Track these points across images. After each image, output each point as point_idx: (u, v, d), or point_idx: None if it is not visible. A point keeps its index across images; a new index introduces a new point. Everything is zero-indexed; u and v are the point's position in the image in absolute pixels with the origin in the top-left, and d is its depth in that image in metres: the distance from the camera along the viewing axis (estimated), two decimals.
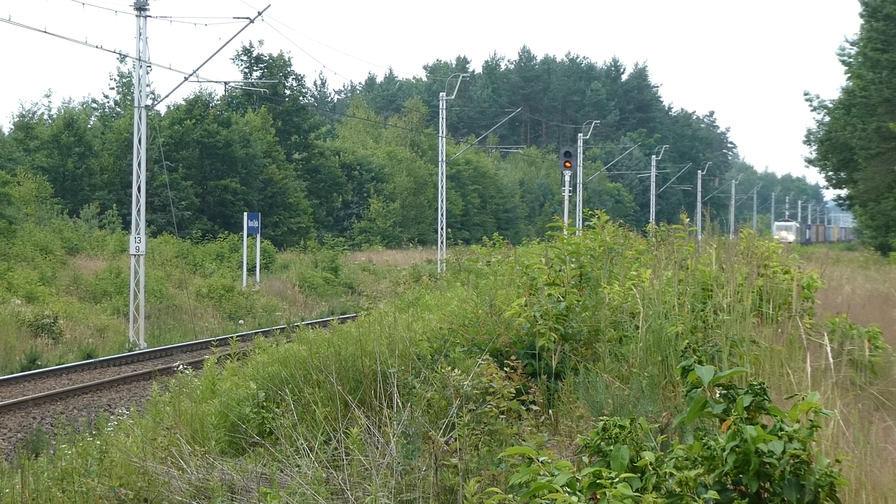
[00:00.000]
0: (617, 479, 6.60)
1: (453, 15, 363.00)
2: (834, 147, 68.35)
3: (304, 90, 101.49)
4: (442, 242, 66.28)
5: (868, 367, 12.37)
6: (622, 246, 16.55)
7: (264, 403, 12.45)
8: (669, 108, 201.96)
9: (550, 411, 11.12)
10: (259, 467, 10.64)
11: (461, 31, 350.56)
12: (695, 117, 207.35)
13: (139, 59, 39.34)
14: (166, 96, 53.54)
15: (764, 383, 7.06)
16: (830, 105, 70.29)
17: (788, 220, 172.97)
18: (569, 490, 6.58)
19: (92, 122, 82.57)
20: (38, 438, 22.47)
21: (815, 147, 73.20)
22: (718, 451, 6.72)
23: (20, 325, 36.32)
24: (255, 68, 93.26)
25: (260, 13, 39.86)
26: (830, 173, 74.14)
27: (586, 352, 12.11)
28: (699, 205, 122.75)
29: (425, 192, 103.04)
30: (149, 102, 41.57)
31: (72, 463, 13.87)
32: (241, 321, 45.26)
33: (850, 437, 8.46)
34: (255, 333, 22.29)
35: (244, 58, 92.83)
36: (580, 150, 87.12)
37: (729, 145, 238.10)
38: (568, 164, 66.69)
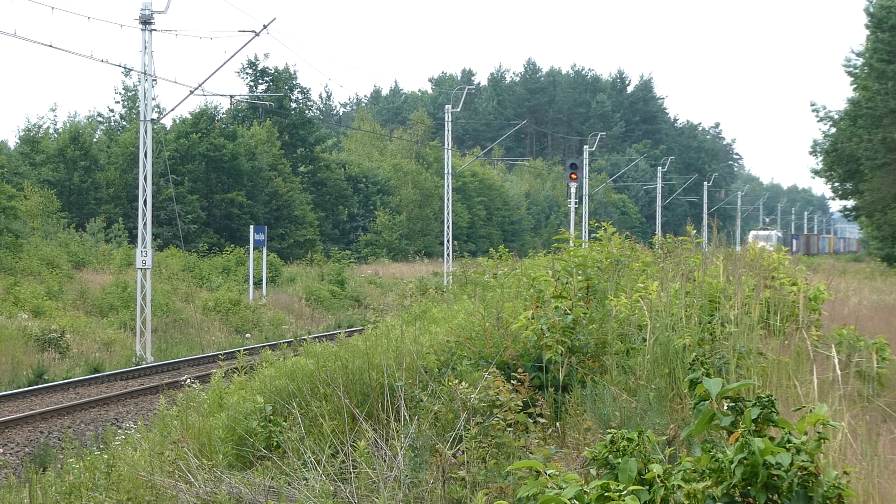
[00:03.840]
0: (625, 492, 6.61)
1: (459, 28, 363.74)
2: (840, 158, 68.28)
3: (309, 103, 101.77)
4: (448, 255, 66.27)
5: (875, 378, 12.37)
6: (629, 258, 16.56)
7: (271, 417, 12.46)
8: (675, 120, 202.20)
9: (558, 424, 11.12)
10: (267, 481, 10.65)
11: (466, 44, 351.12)
12: (700, 129, 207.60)
13: (144, 73, 39.41)
14: (172, 110, 53.57)
15: (771, 395, 7.06)
16: (836, 116, 70.26)
17: (767, 228, 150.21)
18: (577, 503, 6.58)
19: (97, 136, 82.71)
20: (46, 453, 22.47)
21: (821, 158, 73.15)
22: (726, 463, 6.72)
23: (27, 339, 36.36)
24: (260, 81, 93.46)
25: (265, 26, 39.92)
26: (836, 184, 74.06)
27: (593, 364, 12.11)
28: (705, 216, 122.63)
29: (431, 205, 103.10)
30: (154, 116, 41.66)
31: (79, 477, 13.91)
32: (247, 335, 45.27)
33: (857, 449, 8.46)
34: (262, 347, 22.32)
35: (249, 71, 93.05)
36: (586, 161, 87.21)
37: (734, 156, 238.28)
38: (574, 176, 66.74)
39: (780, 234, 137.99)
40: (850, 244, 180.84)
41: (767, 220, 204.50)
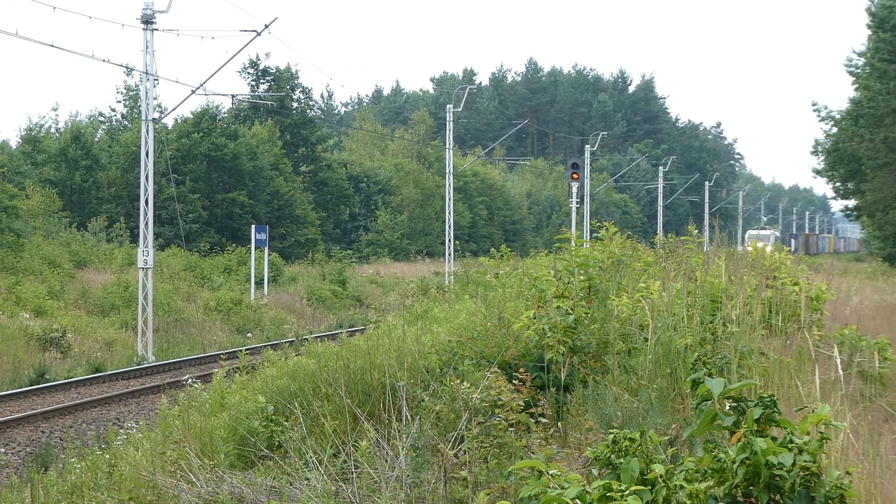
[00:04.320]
0: (627, 492, 6.61)
1: (460, 27, 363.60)
2: (841, 158, 68.24)
3: (311, 102, 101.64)
4: (449, 254, 66.24)
5: (877, 378, 12.36)
6: (630, 258, 16.56)
7: (273, 417, 12.46)
8: (676, 120, 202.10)
9: (559, 424, 11.11)
10: (268, 480, 10.64)
11: (468, 44, 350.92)
12: (702, 128, 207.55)
13: (146, 73, 39.40)
14: (173, 109, 53.44)
15: (773, 395, 7.06)
16: (838, 116, 70.24)
17: (765, 228, 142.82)
18: (579, 503, 6.58)
19: (99, 136, 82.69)
20: (48, 452, 22.48)
21: (822, 158, 73.13)
22: (729, 463, 6.71)
23: (28, 339, 36.36)
24: (262, 81, 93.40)
25: (267, 26, 39.89)
26: (838, 184, 74.05)
27: (595, 364, 12.11)
28: (707, 216, 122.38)
29: (432, 204, 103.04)
30: (156, 115, 41.61)
31: (81, 477, 13.91)
32: (249, 334, 45.27)
33: (859, 449, 8.45)
34: (264, 347, 22.32)
35: (251, 70, 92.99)
36: (587, 161, 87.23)
37: (736, 156, 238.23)
38: (575, 176, 66.75)
39: (777, 234, 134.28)
40: (851, 244, 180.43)
41: (766, 219, 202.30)
